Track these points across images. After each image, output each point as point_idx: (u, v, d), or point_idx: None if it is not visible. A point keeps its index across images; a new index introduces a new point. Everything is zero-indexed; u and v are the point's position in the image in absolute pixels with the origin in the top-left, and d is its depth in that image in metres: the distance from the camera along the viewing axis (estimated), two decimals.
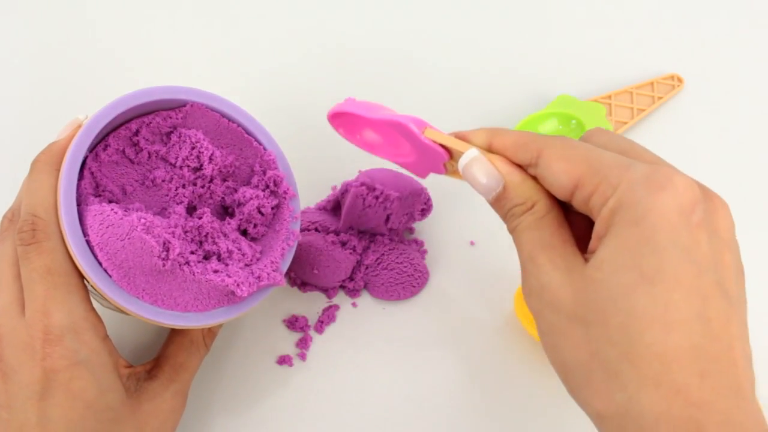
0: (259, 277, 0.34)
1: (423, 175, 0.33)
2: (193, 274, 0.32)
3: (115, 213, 0.30)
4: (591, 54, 0.52)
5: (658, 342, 0.22)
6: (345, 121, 0.34)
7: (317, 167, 0.45)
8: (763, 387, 0.39)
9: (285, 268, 0.36)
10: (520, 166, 0.28)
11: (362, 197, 0.40)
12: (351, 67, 0.51)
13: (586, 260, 0.25)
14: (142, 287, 0.31)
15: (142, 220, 0.30)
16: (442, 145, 0.30)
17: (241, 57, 0.52)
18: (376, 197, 0.40)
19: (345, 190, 0.41)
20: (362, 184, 0.40)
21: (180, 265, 0.32)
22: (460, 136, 0.29)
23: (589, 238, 0.26)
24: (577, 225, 0.28)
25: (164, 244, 0.31)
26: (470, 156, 0.28)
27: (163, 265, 0.31)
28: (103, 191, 0.33)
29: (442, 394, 0.39)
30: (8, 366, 0.29)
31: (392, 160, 0.34)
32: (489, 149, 0.28)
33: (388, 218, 0.41)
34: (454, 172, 0.32)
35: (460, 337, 0.41)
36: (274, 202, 0.36)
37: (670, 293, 0.23)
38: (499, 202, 0.28)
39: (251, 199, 0.36)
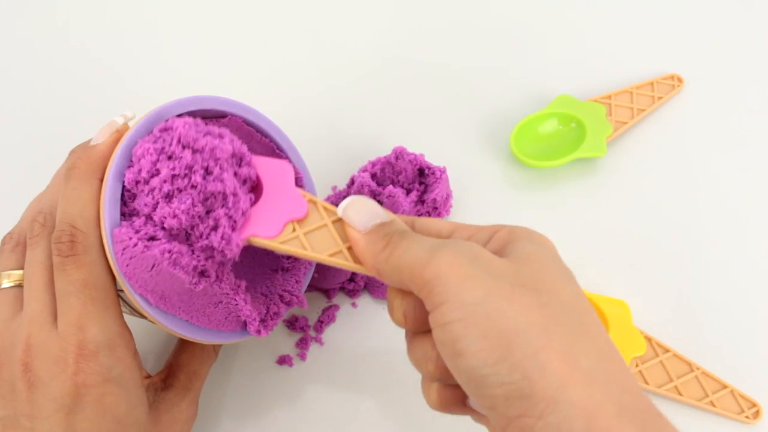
0: (289, 302, 0.35)
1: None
2: (221, 289, 0.32)
3: (135, 246, 0.29)
4: (591, 54, 0.52)
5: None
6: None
7: (317, 168, 0.45)
8: (762, 390, 0.39)
9: (304, 288, 0.37)
10: None
11: (368, 186, 0.40)
12: (351, 68, 0.51)
13: None
14: (178, 305, 0.31)
15: (166, 255, 0.29)
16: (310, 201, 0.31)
17: (240, 56, 0.52)
18: (388, 196, 0.40)
19: (351, 182, 0.41)
20: (372, 176, 0.40)
21: (211, 284, 0.31)
22: None
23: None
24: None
25: (194, 268, 0.30)
26: (359, 195, 0.30)
27: (195, 287, 0.30)
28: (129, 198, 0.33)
29: None
30: (36, 376, 0.28)
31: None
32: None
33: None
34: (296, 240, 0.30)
35: None
36: None
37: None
38: (380, 228, 0.28)
39: None
